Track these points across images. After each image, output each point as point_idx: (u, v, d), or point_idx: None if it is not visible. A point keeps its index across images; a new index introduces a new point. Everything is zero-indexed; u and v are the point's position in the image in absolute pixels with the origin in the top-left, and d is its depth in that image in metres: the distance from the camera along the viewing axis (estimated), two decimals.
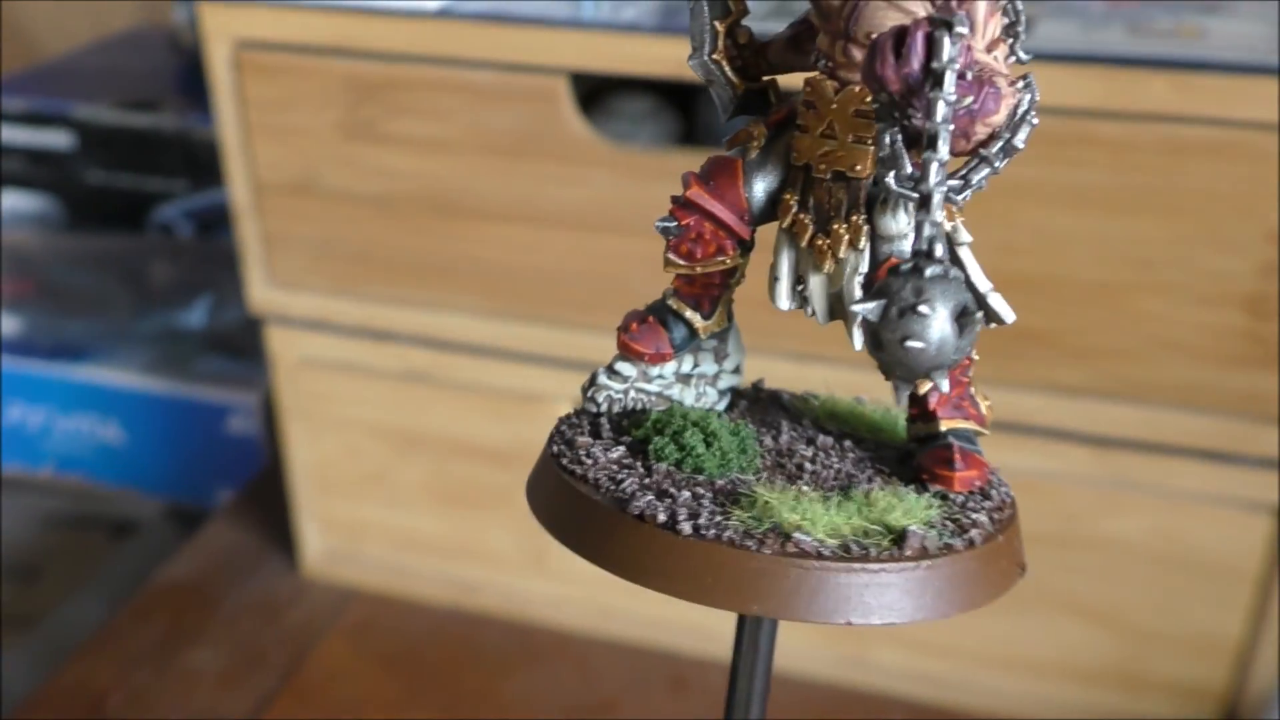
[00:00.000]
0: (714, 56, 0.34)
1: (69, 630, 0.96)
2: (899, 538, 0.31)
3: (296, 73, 0.77)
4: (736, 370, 0.37)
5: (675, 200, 0.34)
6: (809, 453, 0.35)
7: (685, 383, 0.36)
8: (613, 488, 0.33)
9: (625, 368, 0.36)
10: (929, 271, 0.29)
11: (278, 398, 0.90)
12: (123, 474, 1.13)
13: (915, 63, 0.28)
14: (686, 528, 0.31)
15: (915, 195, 0.29)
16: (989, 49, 0.29)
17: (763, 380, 0.40)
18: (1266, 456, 0.70)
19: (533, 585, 0.90)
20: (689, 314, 0.35)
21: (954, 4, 0.29)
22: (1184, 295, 0.68)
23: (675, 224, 0.34)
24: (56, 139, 1.17)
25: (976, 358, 0.34)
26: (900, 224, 0.31)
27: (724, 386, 0.37)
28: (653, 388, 0.36)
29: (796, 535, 0.30)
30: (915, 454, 0.35)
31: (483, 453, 0.87)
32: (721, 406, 0.37)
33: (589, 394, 0.36)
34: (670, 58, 0.71)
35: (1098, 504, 0.75)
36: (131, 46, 1.33)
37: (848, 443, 0.36)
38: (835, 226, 0.32)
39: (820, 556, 0.30)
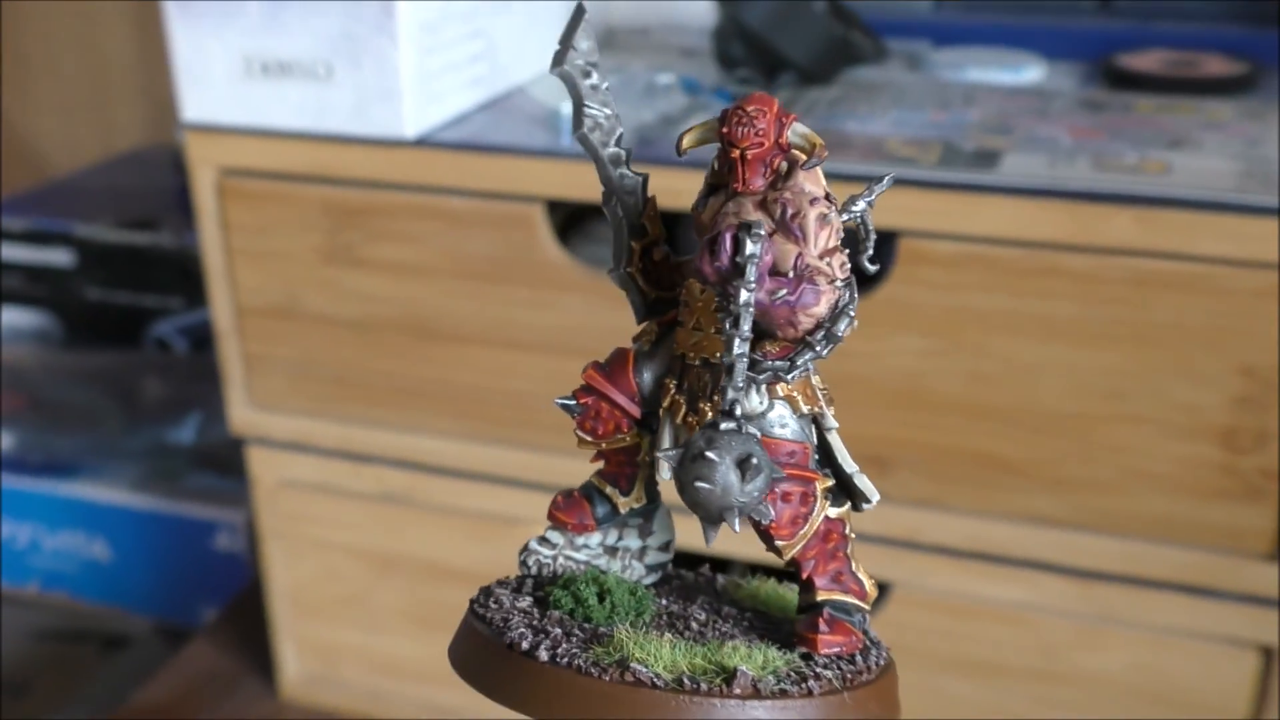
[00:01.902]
0: (629, 270, 0.39)
1: None
2: (730, 676, 0.34)
3: (278, 199, 0.78)
4: (664, 548, 0.41)
5: (580, 386, 0.39)
6: (704, 618, 0.38)
7: (612, 555, 0.40)
8: (502, 625, 0.36)
9: (554, 536, 0.40)
10: (723, 426, 0.33)
11: (258, 519, 0.89)
12: (108, 592, 1.12)
13: (724, 258, 0.34)
14: (544, 655, 0.34)
15: (727, 366, 0.33)
16: (823, 256, 0.34)
17: (706, 566, 0.43)
18: (1249, 592, 0.69)
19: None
20: (609, 490, 0.39)
21: (789, 220, 0.34)
22: (1157, 427, 0.67)
23: (575, 403, 0.38)
24: (57, 256, 1.18)
25: (853, 536, 0.36)
26: (753, 401, 0.35)
27: (651, 562, 0.40)
28: (581, 556, 0.40)
29: (635, 666, 0.33)
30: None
31: (461, 575, 0.86)
32: (649, 581, 0.40)
33: (521, 558, 0.40)
34: (650, 187, 0.71)
35: (1077, 637, 0.73)
36: (137, 165, 1.36)
37: (751, 615, 0.39)
38: (702, 405, 0.36)
39: (654, 687, 0.33)
